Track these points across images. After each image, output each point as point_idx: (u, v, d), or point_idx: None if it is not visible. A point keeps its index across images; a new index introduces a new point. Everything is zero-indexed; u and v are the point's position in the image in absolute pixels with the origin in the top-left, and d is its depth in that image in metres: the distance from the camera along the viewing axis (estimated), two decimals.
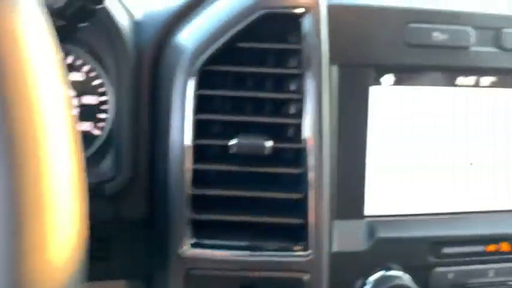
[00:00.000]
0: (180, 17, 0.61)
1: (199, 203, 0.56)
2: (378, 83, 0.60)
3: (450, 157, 0.63)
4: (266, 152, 0.55)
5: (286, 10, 0.56)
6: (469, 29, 0.61)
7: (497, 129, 0.65)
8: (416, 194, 0.63)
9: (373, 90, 0.60)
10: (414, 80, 0.61)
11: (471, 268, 0.61)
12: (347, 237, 0.58)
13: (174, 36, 0.60)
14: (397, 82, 0.61)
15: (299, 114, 0.56)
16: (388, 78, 0.61)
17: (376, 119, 0.61)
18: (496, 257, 0.62)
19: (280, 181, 0.58)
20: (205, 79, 0.57)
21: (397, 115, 0.61)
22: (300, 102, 0.56)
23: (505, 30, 0.62)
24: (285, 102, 0.59)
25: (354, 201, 0.60)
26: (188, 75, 0.55)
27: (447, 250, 0.60)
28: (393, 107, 0.61)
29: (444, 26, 0.60)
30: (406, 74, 0.61)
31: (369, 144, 0.61)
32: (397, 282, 0.57)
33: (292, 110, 0.59)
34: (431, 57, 0.60)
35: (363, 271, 0.59)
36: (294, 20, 0.57)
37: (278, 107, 0.60)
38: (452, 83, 0.63)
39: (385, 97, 0.61)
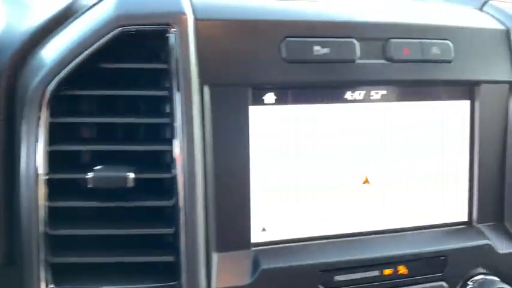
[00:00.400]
0: (40, 36, 0.56)
1: (60, 242, 0.51)
2: (259, 102, 0.56)
3: (343, 176, 0.60)
4: (129, 184, 0.50)
5: (146, 28, 0.51)
6: (353, 41, 0.58)
7: (393, 145, 0.62)
8: (306, 216, 0.58)
9: (253, 110, 0.56)
10: (298, 98, 0.58)
11: None
12: (229, 271, 0.54)
13: (31, 57, 0.55)
14: (279, 101, 0.57)
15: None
16: (269, 97, 0.57)
17: (259, 140, 0.56)
18: (393, 282, 0.58)
19: (155, 214, 0.53)
20: (64, 104, 0.52)
21: (283, 135, 0.57)
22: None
23: (393, 40, 0.59)
24: (161, 127, 0.55)
25: (239, 230, 0.56)
26: (40, 101, 0.50)
27: (339, 277, 0.56)
28: (277, 126, 0.57)
29: (326, 39, 0.57)
30: (288, 92, 0.57)
31: (253, 167, 0.56)
32: None
33: (167, 135, 0.54)
34: (314, 73, 0.57)
35: None
36: (162, 38, 0.52)
37: (153, 133, 0.55)
38: (340, 99, 0.59)
39: (268, 117, 0.57)
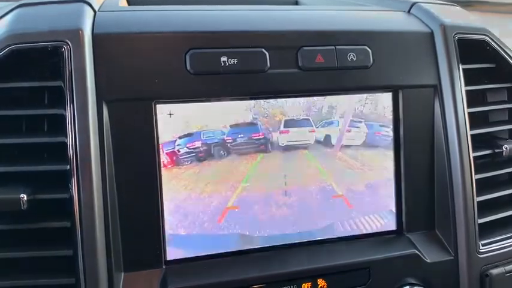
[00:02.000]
0: None
1: None
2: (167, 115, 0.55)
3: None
4: (23, 206, 0.49)
5: (37, 45, 0.50)
6: (263, 50, 0.57)
7: (315, 149, 0.60)
8: (222, 231, 0.57)
9: (162, 124, 0.55)
10: None
11: None
12: None
13: None
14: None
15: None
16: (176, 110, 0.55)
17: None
18: None
19: (58, 235, 0.52)
20: None
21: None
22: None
23: (305, 48, 0.58)
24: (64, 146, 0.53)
25: (150, 248, 0.54)
26: None
27: None
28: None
29: (233, 50, 0.55)
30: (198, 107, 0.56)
31: (166, 183, 0.55)
32: None
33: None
34: (222, 85, 0.55)
35: None
36: (56, 54, 0.51)
37: (58, 152, 0.54)
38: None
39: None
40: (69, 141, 0.50)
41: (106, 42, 0.52)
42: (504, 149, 0.65)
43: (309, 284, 0.57)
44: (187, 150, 0.56)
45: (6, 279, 0.49)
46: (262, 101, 0.57)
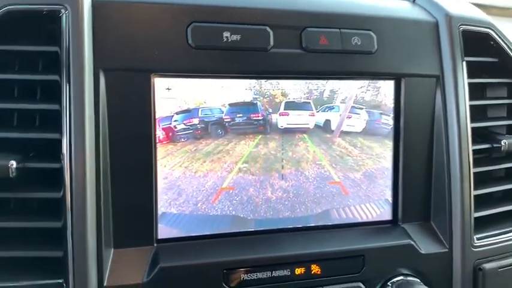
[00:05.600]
0: None
1: None
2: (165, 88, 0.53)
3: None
4: (12, 173, 0.47)
5: (35, 8, 0.48)
6: (267, 28, 0.55)
7: (315, 137, 0.59)
8: (216, 211, 0.56)
9: (159, 96, 0.53)
10: None
11: None
12: (124, 269, 0.51)
13: None
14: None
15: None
16: (175, 85, 0.54)
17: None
18: (305, 282, 0.56)
19: (48, 207, 0.50)
20: None
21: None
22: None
23: (309, 29, 0.56)
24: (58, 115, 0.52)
25: (142, 225, 0.53)
26: None
27: (245, 276, 0.53)
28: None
29: (237, 26, 0.54)
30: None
31: (160, 160, 0.53)
32: None
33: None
34: (223, 61, 0.54)
35: None
36: (54, 19, 0.49)
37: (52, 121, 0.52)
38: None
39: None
40: (63, 109, 0.48)
41: (106, 10, 0.50)
42: (503, 143, 0.65)
43: (303, 269, 0.55)
44: (184, 126, 0.54)
45: None
46: (263, 81, 0.56)
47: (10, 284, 0.47)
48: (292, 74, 0.57)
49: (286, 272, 0.55)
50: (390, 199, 0.62)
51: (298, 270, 0.55)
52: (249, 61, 0.55)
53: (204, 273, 0.52)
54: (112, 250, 0.51)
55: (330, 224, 0.60)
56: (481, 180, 0.65)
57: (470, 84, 0.64)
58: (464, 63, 0.62)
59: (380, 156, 0.62)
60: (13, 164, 0.46)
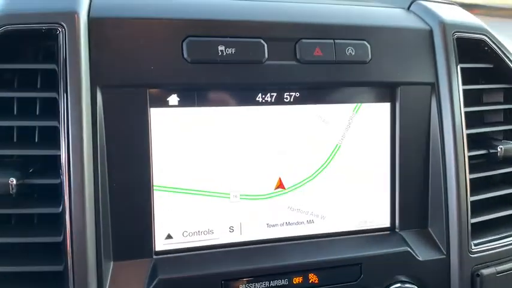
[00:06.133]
0: None
1: None
2: (161, 104, 0.54)
3: (254, 180, 0.57)
4: (12, 190, 0.48)
5: (32, 27, 0.49)
6: (261, 41, 0.56)
7: (308, 148, 0.60)
8: (214, 222, 0.57)
9: (155, 112, 0.54)
10: (205, 101, 0.55)
11: None
12: (124, 281, 0.51)
13: None
14: (183, 103, 0.55)
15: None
16: (172, 99, 0.54)
17: (162, 142, 0.54)
18: None
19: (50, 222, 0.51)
20: None
21: (188, 137, 0.55)
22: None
23: (304, 41, 0.57)
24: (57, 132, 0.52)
25: (140, 237, 0.54)
26: None
27: (245, 287, 0.54)
28: (182, 129, 0.55)
29: (231, 39, 0.55)
30: (193, 94, 0.55)
31: (156, 172, 0.54)
32: None
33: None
34: (219, 75, 0.54)
35: None
36: (51, 37, 0.50)
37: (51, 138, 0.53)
38: (250, 102, 0.57)
39: (172, 119, 0.54)
40: (62, 125, 0.49)
41: (102, 26, 0.51)
42: (499, 149, 0.65)
43: (300, 278, 0.56)
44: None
45: None
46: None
47: None
48: (287, 85, 0.57)
49: (284, 282, 0.56)
50: (388, 206, 0.63)
51: (296, 280, 0.56)
52: (244, 74, 0.55)
53: (203, 284, 0.53)
54: (112, 263, 0.52)
55: (327, 232, 0.61)
56: (477, 186, 0.65)
57: (466, 90, 0.65)
58: (459, 69, 0.63)
59: (377, 164, 0.62)
60: (13, 181, 0.47)
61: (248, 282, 0.54)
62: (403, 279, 0.60)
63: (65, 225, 0.49)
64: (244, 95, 0.57)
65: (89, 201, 0.49)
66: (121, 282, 0.51)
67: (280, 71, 0.56)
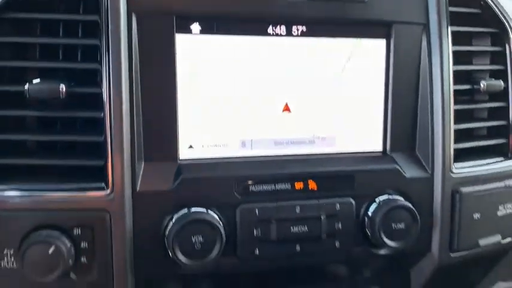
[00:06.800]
0: None
1: None
2: (185, 31, 0.63)
3: (264, 102, 0.67)
4: (62, 95, 0.58)
5: None
6: None
7: (313, 78, 0.68)
8: (229, 137, 0.66)
9: (180, 38, 0.63)
10: (223, 29, 0.64)
11: (278, 204, 0.65)
12: (153, 178, 0.61)
13: None
14: (205, 31, 0.64)
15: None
16: (195, 27, 0.64)
17: (186, 64, 0.63)
18: (304, 194, 0.66)
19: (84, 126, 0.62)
20: (8, 25, 0.59)
21: (209, 61, 0.64)
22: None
23: None
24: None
25: (166, 146, 0.63)
26: None
27: (254, 188, 0.64)
28: (203, 53, 0.64)
29: None
30: (213, 23, 0.64)
31: (180, 90, 0.63)
32: (198, 217, 0.60)
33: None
34: (240, 6, 0.63)
35: (169, 209, 0.62)
36: None
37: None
38: (264, 33, 0.66)
39: (194, 44, 0.64)
40: (102, 44, 0.58)
41: None
42: (482, 85, 0.74)
43: (301, 183, 0.66)
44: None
45: (44, 158, 0.59)
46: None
47: (62, 185, 0.58)
48: (299, 21, 0.66)
49: (287, 186, 0.65)
50: (381, 132, 0.72)
51: (298, 185, 0.66)
52: (262, 7, 0.64)
53: (219, 184, 0.63)
54: (143, 163, 0.62)
55: (326, 152, 0.70)
56: (462, 118, 0.74)
57: (457, 33, 0.73)
58: (448, 12, 0.71)
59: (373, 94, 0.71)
60: (63, 87, 0.57)
61: (257, 183, 0.64)
62: (391, 192, 0.69)
63: (106, 127, 0.59)
64: (257, 27, 0.66)
65: (125, 109, 0.59)
66: (150, 178, 0.61)
67: (294, 6, 0.65)
